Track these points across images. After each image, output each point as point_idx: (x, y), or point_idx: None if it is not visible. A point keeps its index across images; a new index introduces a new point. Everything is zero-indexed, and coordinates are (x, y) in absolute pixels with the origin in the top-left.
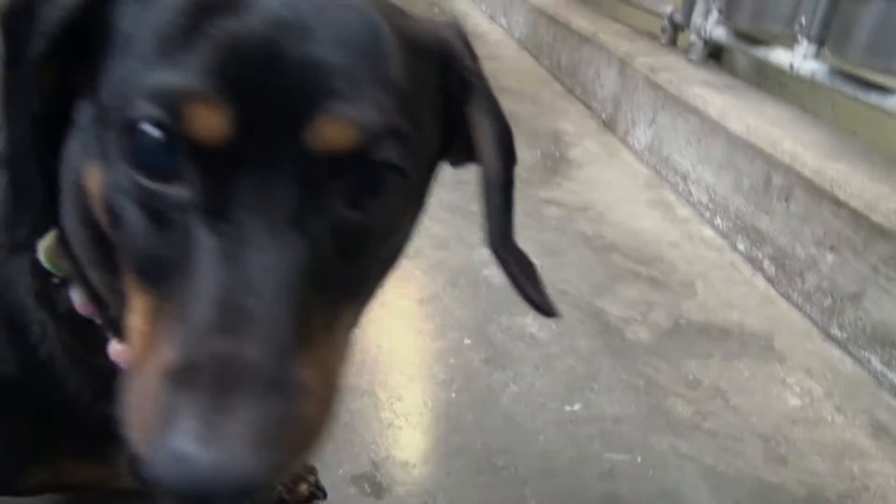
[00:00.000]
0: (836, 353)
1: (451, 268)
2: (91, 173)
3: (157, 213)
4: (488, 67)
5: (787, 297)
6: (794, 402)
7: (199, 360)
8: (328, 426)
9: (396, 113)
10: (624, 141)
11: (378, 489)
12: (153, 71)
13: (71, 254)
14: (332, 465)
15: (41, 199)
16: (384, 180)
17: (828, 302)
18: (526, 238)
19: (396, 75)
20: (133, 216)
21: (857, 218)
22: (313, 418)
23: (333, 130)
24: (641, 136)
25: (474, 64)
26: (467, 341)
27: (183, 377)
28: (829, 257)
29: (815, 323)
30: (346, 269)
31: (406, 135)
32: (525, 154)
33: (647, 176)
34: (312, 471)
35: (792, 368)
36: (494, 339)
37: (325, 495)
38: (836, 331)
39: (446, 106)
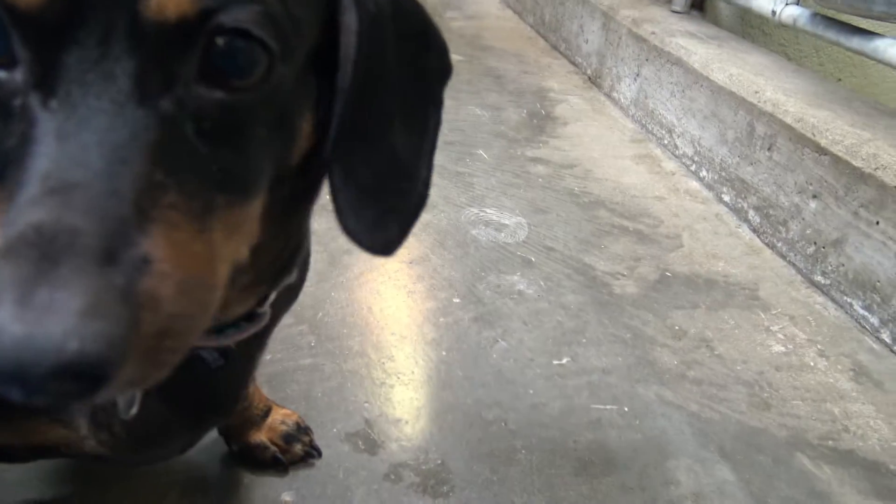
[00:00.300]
0: (820, 299)
1: (440, 229)
2: None
3: (2, 102)
4: (471, 27)
5: (772, 247)
6: (778, 348)
7: (20, 233)
8: (194, 319)
9: None
10: (609, 96)
11: (372, 446)
12: None
13: None
14: (325, 424)
15: None
16: (244, 54)
17: (811, 249)
18: (513, 196)
19: None
20: None
21: (839, 164)
22: (167, 301)
23: None
24: (626, 90)
25: None
26: (457, 300)
27: (4, 253)
28: (812, 204)
29: (798, 270)
30: (215, 156)
31: (261, 1)
32: (511, 113)
33: (633, 130)
34: (307, 431)
35: (776, 316)
36: (483, 298)
37: (319, 454)
38: (819, 277)
39: None
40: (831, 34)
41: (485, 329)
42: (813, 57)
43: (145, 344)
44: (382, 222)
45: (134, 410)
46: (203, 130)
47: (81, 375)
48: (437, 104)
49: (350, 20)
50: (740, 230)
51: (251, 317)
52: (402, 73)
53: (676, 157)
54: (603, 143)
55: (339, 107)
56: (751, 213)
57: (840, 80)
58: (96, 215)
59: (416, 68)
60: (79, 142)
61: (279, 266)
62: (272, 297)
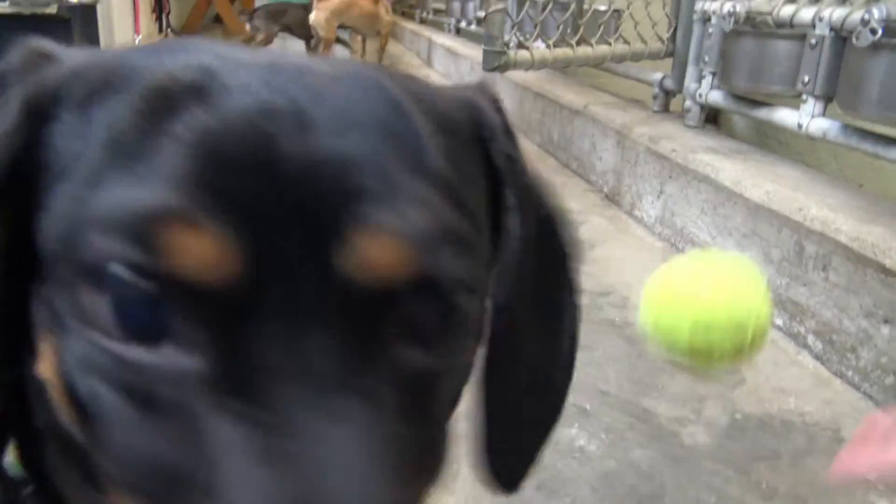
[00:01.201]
0: None
1: None
2: (45, 353)
3: (143, 393)
4: None
5: (842, 376)
6: (883, 503)
7: None
8: None
9: (447, 208)
10: (631, 214)
11: None
12: (104, 190)
13: (37, 468)
14: None
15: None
16: (451, 304)
17: (890, 380)
18: None
19: (433, 158)
20: (110, 403)
21: None
22: None
23: (375, 247)
24: (650, 208)
25: (508, 138)
26: None
27: None
28: (885, 330)
29: (877, 403)
30: (417, 434)
31: (465, 236)
32: None
33: (663, 250)
34: None
35: None
36: (542, 459)
37: None
38: None
39: (489, 193)
40: (867, 146)
41: (551, 499)
42: (832, 164)
43: None
44: (510, 450)
45: None
46: (403, 408)
47: None
48: (573, 289)
49: (514, 225)
50: (801, 358)
51: None
52: (540, 263)
53: None
54: (634, 265)
55: (495, 324)
56: (810, 338)
57: (861, 185)
58: None
59: (551, 253)
60: (302, 466)
61: None
62: None
